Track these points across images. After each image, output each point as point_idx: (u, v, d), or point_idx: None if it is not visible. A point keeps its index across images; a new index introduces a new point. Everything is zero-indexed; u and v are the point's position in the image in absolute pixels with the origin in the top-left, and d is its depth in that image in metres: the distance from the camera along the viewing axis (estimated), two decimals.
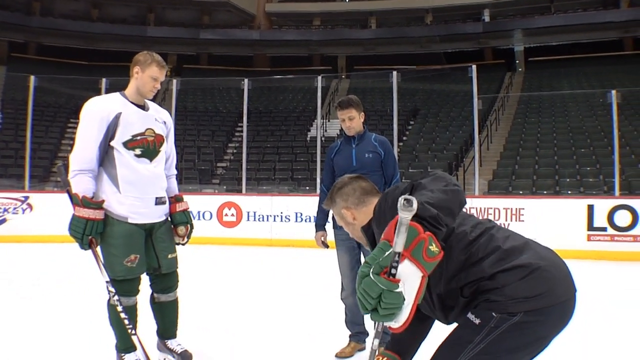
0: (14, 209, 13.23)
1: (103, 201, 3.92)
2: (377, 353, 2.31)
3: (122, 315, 3.82)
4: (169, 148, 4.34)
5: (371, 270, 1.96)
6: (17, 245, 12.35)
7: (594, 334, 5.44)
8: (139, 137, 4.01)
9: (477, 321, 2.15)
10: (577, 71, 27.30)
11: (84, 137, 3.93)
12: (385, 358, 2.58)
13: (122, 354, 4.05)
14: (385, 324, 2.07)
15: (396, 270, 1.93)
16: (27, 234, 12.87)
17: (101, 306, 4.13)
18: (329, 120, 23.70)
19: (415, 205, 1.83)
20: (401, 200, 1.83)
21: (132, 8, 34.13)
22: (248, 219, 13.43)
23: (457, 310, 2.28)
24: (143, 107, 4.14)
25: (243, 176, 15.20)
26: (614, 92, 13.18)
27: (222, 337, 5.30)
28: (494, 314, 2.12)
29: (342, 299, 4.85)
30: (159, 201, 4.14)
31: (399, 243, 1.89)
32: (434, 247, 1.93)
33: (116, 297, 3.85)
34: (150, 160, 4.08)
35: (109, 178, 3.97)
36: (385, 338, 4.61)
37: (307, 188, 17.16)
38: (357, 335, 4.81)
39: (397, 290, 1.94)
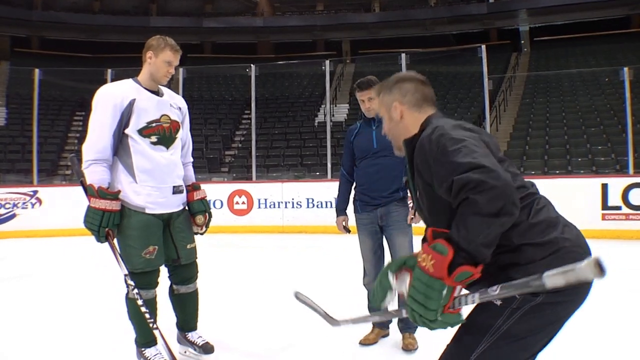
0: (23, 203, 13.21)
1: (119, 192, 3.82)
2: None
3: (143, 308, 3.73)
4: (184, 135, 4.23)
5: (434, 316, 1.94)
6: (28, 240, 12.34)
7: (609, 315, 5.40)
8: (154, 124, 3.90)
9: (499, 302, 2.07)
10: (584, 50, 27.08)
11: (97, 126, 3.81)
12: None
13: (143, 349, 3.97)
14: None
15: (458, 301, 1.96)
16: (38, 228, 12.87)
17: (119, 300, 4.05)
18: (335, 106, 23.59)
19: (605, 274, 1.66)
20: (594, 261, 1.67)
21: None
22: (259, 207, 13.40)
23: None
24: (157, 93, 4.03)
25: (253, 163, 15.14)
26: (626, 69, 13.09)
27: (243, 327, 5.24)
28: (516, 295, 2.00)
29: (364, 284, 4.76)
30: (176, 190, 4.04)
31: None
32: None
33: (135, 291, 3.75)
34: (167, 148, 3.98)
35: (124, 167, 3.87)
36: (411, 324, 4.56)
37: (317, 174, 17.11)
38: (381, 322, 4.73)
39: (462, 318, 2.00)
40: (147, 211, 3.88)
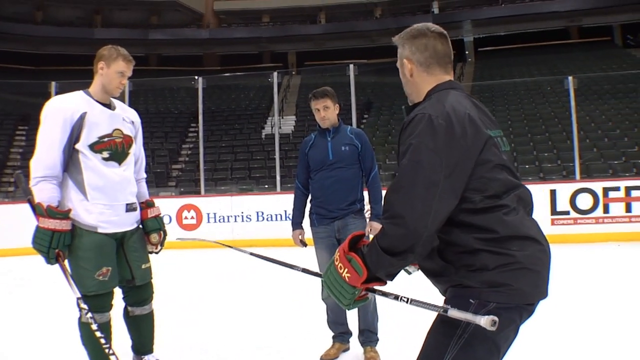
0: None
1: (70, 210, 3.63)
2: None
3: (98, 333, 3.50)
4: (138, 149, 4.07)
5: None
6: None
7: (563, 316, 5.44)
8: (106, 139, 3.73)
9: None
10: (527, 60, 27.70)
11: (46, 141, 3.62)
12: None
13: None
14: None
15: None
16: None
17: (73, 324, 3.86)
18: (282, 117, 23.52)
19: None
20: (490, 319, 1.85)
21: (78, 10, 33.45)
22: (208, 221, 13.20)
23: (433, 268, 2.18)
24: (109, 106, 3.86)
25: (201, 177, 14.94)
26: (570, 78, 13.37)
27: (201, 348, 5.08)
28: (471, 300, 2.03)
29: (322, 299, 4.67)
30: (129, 207, 3.87)
31: None
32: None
33: (89, 315, 3.53)
34: (119, 164, 3.81)
35: (74, 184, 3.69)
36: (372, 337, 4.49)
37: (266, 186, 16.95)
38: (341, 336, 4.66)
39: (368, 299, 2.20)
40: (100, 230, 3.71)
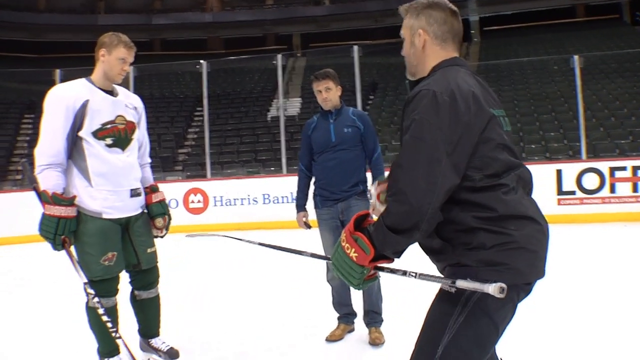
0: None
1: (75, 197, 3.68)
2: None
3: (104, 317, 3.57)
4: (141, 135, 4.11)
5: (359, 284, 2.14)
6: None
7: (568, 296, 5.44)
8: (109, 126, 3.77)
9: (453, 290, 2.08)
10: (533, 39, 27.44)
11: (49, 129, 3.67)
12: None
13: (106, 359, 3.84)
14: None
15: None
16: None
17: (80, 309, 3.90)
18: (288, 99, 23.49)
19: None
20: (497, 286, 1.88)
21: None
22: (215, 204, 13.23)
23: (431, 246, 2.19)
24: (112, 93, 3.90)
25: (207, 161, 14.95)
26: (576, 57, 13.27)
27: (207, 331, 5.11)
28: (468, 278, 2.01)
29: (327, 280, 4.71)
30: (134, 193, 3.92)
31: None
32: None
33: (96, 299, 3.61)
34: (123, 150, 3.85)
35: (79, 171, 3.73)
36: (377, 318, 4.51)
37: (273, 169, 16.96)
38: (346, 317, 4.70)
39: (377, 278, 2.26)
40: (105, 216, 3.76)
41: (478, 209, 2.06)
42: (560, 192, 11.40)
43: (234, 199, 13.19)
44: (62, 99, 3.67)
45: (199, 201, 13.13)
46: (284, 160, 14.28)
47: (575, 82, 13.41)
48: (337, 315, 4.72)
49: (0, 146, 20.87)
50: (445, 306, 2.11)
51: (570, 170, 11.46)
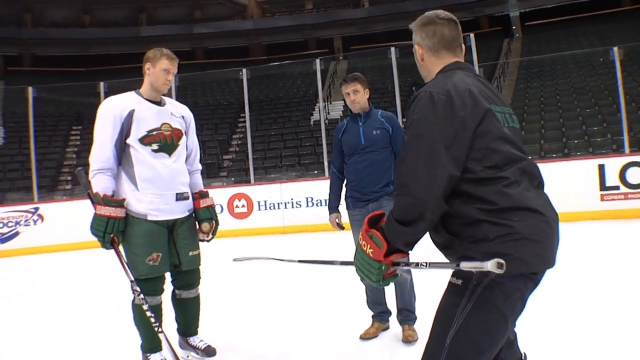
0: (25, 221, 13.25)
1: (124, 200, 3.93)
2: None
3: (148, 313, 3.79)
4: (190, 142, 4.35)
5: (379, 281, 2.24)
6: (32, 256, 12.37)
7: (608, 293, 5.42)
8: (154, 132, 4.01)
9: (459, 282, 2.18)
10: (575, 31, 27.05)
11: (99, 137, 3.95)
12: None
13: (148, 354, 4.05)
14: None
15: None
16: (41, 244, 12.88)
17: (125, 308, 4.11)
18: (330, 103, 23.62)
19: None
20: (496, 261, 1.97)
21: (123, 10, 34.09)
22: (259, 209, 13.44)
23: (438, 238, 2.30)
24: (159, 103, 4.15)
25: (250, 166, 15.18)
26: (615, 49, 13.09)
27: (245, 330, 5.26)
28: (473, 270, 2.09)
29: (361, 279, 4.79)
30: (180, 197, 4.13)
31: None
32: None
33: (141, 296, 3.82)
34: (169, 155, 4.08)
35: (127, 177, 3.99)
36: (410, 316, 4.61)
37: (315, 172, 17.10)
38: (380, 315, 4.78)
39: (398, 276, 2.31)
40: (150, 218, 3.97)
41: (480, 202, 2.15)
42: (603, 187, 11.21)
43: (278, 203, 13.37)
44: (110, 110, 3.96)
45: (243, 206, 13.34)
46: (326, 164, 14.40)
47: (615, 75, 13.25)
48: (372, 313, 4.81)
49: (50, 157, 21.41)
50: (452, 297, 2.20)
51: (613, 164, 11.24)
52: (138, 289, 3.84)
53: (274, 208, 13.41)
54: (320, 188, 13.04)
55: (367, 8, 33.77)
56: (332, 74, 27.28)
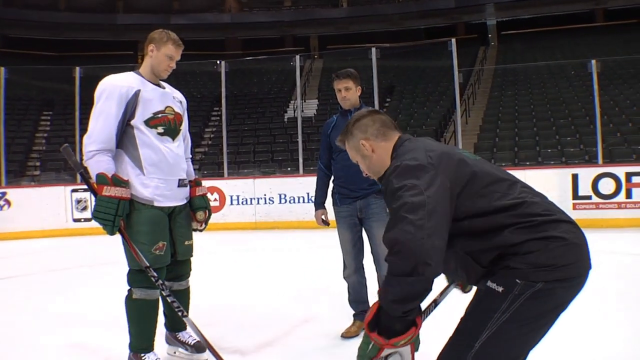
0: None
1: (128, 181, 3.73)
2: None
3: (170, 299, 3.70)
4: (185, 129, 4.20)
5: None
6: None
7: (585, 302, 5.46)
8: (159, 115, 3.86)
9: (500, 289, 2.12)
10: (550, 44, 27.39)
11: (102, 115, 3.71)
12: None
13: (142, 354, 3.83)
14: None
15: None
16: (8, 230, 12.60)
17: (107, 296, 4.01)
18: (305, 101, 23.57)
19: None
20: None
21: None
22: (231, 203, 13.33)
23: (476, 277, 2.26)
24: (159, 86, 4.00)
25: (224, 160, 15.04)
26: (594, 62, 13.25)
27: (231, 325, 5.20)
28: (517, 280, 2.08)
29: (344, 277, 4.78)
30: (181, 183, 4.00)
31: None
32: (404, 342, 2.10)
33: (160, 281, 3.67)
34: (173, 139, 3.95)
35: (130, 160, 3.80)
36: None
37: (289, 169, 17.06)
38: (362, 314, 4.73)
39: None
40: (156, 204, 3.81)
41: (513, 225, 2.16)
42: (575, 196, 11.39)
43: (250, 198, 13.29)
44: (115, 87, 3.74)
45: (215, 200, 13.21)
46: (300, 161, 14.34)
47: (592, 87, 13.41)
48: (353, 312, 4.78)
49: (18, 142, 20.95)
50: (489, 303, 2.16)
51: (587, 175, 11.45)
52: (155, 274, 3.64)
53: (247, 203, 13.32)
54: (293, 185, 13.01)
55: (345, 8, 33.79)
56: (307, 72, 27.25)
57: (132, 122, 3.77)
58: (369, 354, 2.11)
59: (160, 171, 3.83)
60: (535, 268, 2.08)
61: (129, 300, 3.81)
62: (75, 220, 12.80)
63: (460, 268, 2.31)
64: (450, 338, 2.25)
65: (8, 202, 12.98)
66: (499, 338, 2.11)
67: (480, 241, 2.19)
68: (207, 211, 4.22)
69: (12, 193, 13.19)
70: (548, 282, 2.07)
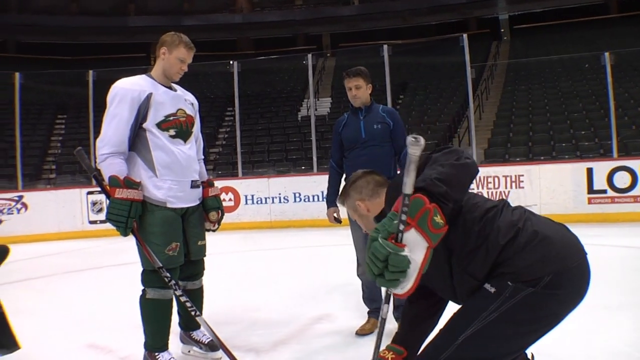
0: (9, 209, 13.08)
1: (140, 182, 3.76)
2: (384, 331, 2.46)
3: (183, 299, 3.75)
4: (197, 130, 4.22)
5: (379, 235, 1.99)
6: (15, 245, 12.17)
7: (598, 297, 5.43)
8: (171, 118, 3.89)
9: (492, 290, 2.19)
10: (564, 37, 27.18)
11: (114, 119, 3.75)
12: (391, 352, 2.60)
13: (156, 353, 3.86)
14: (390, 290, 2.11)
15: (402, 236, 1.97)
16: (25, 233, 12.70)
17: (120, 297, 4.03)
18: (318, 99, 23.57)
19: (422, 142, 1.90)
20: (409, 137, 1.88)
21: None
22: (246, 203, 13.37)
23: (469, 291, 2.31)
24: (171, 89, 4.02)
25: (238, 160, 15.07)
26: (607, 54, 13.15)
27: (246, 323, 5.22)
28: (509, 282, 2.14)
29: (358, 275, 4.78)
30: (194, 184, 4.02)
31: (407, 184, 1.94)
32: (438, 219, 1.98)
33: (172, 282, 3.71)
34: (185, 141, 3.97)
35: (143, 162, 3.83)
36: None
37: (303, 168, 17.08)
38: (376, 312, 4.74)
39: (403, 253, 1.95)
40: (169, 205, 3.84)
41: (496, 233, 2.23)
42: (591, 190, 11.32)
43: (265, 197, 13.33)
44: (128, 91, 3.76)
45: (230, 199, 13.26)
46: (314, 159, 14.33)
47: (606, 80, 13.31)
48: (367, 309, 4.79)
49: (34, 146, 21.11)
50: (480, 301, 2.21)
51: (601, 168, 11.38)
52: (168, 275, 3.69)
53: (261, 202, 13.36)
54: (307, 184, 13.04)
55: (356, 6, 33.70)
56: (320, 70, 27.25)
57: (145, 125, 3.80)
58: (391, 229, 2.00)
59: (172, 173, 3.86)
60: (525, 267, 2.14)
61: (143, 300, 3.84)
62: (91, 222, 12.91)
63: (457, 286, 2.36)
64: (439, 330, 2.32)
65: (25, 206, 13.10)
66: (482, 335, 2.16)
67: (480, 248, 2.24)
68: (219, 211, 4.24)
69: (29, 196, 13.31)
70: (544, 287, 2.11)
